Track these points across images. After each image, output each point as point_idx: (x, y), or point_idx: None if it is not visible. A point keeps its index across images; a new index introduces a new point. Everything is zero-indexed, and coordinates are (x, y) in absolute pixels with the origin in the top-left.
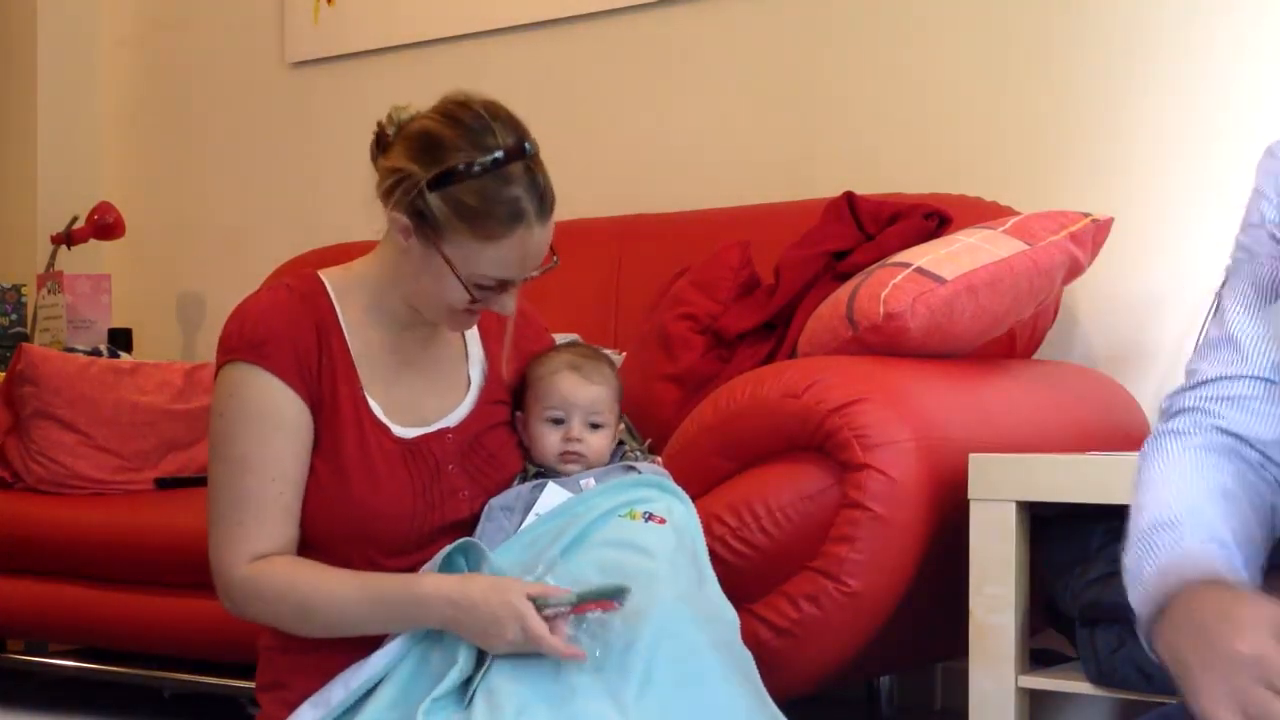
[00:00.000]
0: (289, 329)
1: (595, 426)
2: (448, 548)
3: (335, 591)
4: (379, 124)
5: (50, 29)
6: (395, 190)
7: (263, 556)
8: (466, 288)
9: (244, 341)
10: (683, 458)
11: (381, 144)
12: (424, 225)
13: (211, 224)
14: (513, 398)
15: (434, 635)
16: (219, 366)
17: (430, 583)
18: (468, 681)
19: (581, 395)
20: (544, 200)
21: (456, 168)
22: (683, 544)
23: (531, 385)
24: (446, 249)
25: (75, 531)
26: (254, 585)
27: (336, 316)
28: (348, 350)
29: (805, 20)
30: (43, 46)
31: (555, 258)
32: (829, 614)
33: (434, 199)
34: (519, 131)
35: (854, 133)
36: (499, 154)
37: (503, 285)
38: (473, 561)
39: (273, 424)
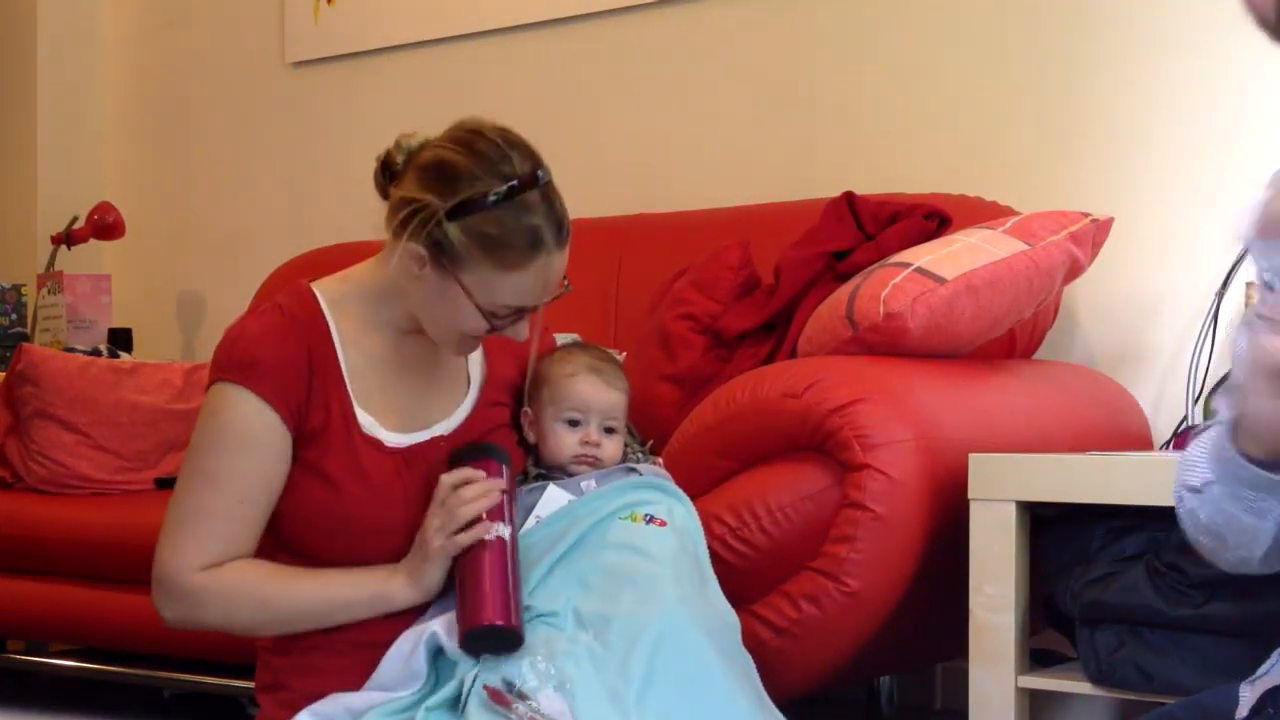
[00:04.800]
0: (277, 351)
1: (609, 431)
2: None
3: (293, 592)
4: (386, 153)
5: (50, 29)
6: (411, 221)
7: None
8: (485, 315)
9: (232, 363)
10: (683, 458)
11: (389, 173)
12: (441, 255)
13: (211, 224)
14: (516, 395)
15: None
16: (208, 385)
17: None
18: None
19: (602, 400)
20: (561, 227)
21: (474, 197)
22: (684, 547)
23: (548, 384)
24: (465, 279)
25: (75, 531)
26: (209, 591)
27: (329, 331)
28: (339, 366)
29: (805, 21)
30: (43, 46)
31: (568, 283)
32: (829, 614)
33: (453, 229)
34: (534, 159)
35: (854, 133)
36: (515, 182)
37: (519, 313)
38: None
39: (248, 445)
